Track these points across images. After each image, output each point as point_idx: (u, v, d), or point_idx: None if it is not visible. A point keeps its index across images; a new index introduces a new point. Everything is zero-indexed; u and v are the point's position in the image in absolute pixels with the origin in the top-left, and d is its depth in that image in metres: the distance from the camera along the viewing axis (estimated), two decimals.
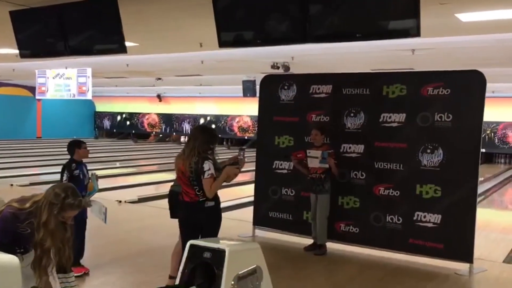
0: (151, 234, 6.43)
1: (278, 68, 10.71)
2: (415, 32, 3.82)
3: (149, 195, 9.09)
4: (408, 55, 8.35)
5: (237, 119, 23.57)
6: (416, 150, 5.33)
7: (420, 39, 4.36)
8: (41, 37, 5.54)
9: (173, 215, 4.39)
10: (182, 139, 25.33)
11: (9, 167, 12.36)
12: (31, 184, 9.86)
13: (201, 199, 3.92)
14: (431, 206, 5.24)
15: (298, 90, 6.10)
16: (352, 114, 5.72)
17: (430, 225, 5.25)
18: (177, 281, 3.13)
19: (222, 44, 4.60)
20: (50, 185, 2.98)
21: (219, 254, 3.03)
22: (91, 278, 4.64)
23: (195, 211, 3.95)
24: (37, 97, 14.31)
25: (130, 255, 5.43)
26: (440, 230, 5.20)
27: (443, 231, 5.19)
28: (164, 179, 12.09)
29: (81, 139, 5.05)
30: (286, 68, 10.69)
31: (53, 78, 13.22)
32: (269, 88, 6.43)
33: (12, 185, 9.70)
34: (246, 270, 3.09)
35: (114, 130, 27.22)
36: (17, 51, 6.09)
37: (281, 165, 6.19)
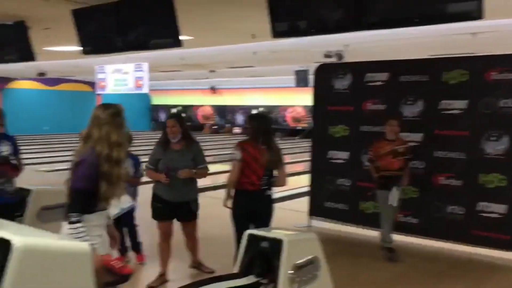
0: (203, 223, 6.54)
1: (331, 57, 10.55)
2: (478, 14, 3.63)
3: (202, 185, 9.23)
4: (469, 38, 7.97)
5: (289, 110, 23.50)
6: (479, 137, 5.11)
7: (482, 22, 4.14)
8: (101, 34, 5.73)
9: (155, 216, 4.45)
10: (235, 130, 25.58)
11: (69, 160, 12.94)
12: None
13: (263, 188, 4.03)
14: (496, 196, 5.02)
15: (353, 78, 6.00)
16: (409, 102, 5.56)
17: (494, 215, 5.04)
18: (235, 270, 3.18)
19: (276, 34, 4.58)
20: None
21: (276, 244, 3.05)
22: (147, 267, 4.81)
23: (255, 200, 4.02)
24: (97, 92, 14.89)
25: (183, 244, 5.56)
26: (506, 221, 4.97)
27: (509, 222, 4.96)
28: (219, 170, 12.27)
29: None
30: (340, 56, 10.50)
31: (112, 73, 13.70)
32: (323, 77, 6.37)
33: None
34: (304, 259, 3.10)
35: None
36: (79, 48, 6.34)
37: (336, 155, 6.13)
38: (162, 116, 28.12)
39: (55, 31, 7.59)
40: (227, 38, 8.96)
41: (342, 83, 6.09)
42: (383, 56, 9.52)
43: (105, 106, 2.89)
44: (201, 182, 10.40)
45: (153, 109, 28.28)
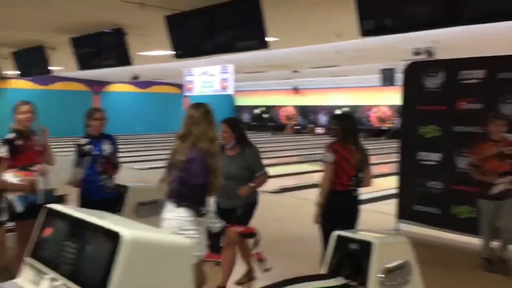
0: (293, 223, 6.59)
1: (420, 54, 10.13)
2: None
3: (289, 185, 9.30)
4: None
5: (374, 109, 22.91)
6: None
7: None
8: (192, 38, 5.98)
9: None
10: (318, 130, 25.40)
11: (161, 159, 13.60)
12: None
13: (351, 188, 4.02)
14: None
15: (446, 76, 5.73)
16: (509, 101, 5.20)
17: None
18: (323, 271, 3.16)
19: (364, 33, 4.49)
20: None
21: (366, 246, 2.99)
22: (238, 264, 4.91)
23: (345, 200, 4.00)
24: (185, 94, 15.50)
25: (273, 242, 5.62)
26: None
27: None
28: (303, 170, 12.27)
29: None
30: (429, 53, 10.06)
31: (199, 75, 14.20)
32: (413, 76, 6.14)
33: None
34: (394, 263, 3.01)
35: (253, 123, 28.36)
36: (170, 52, 6.66)
37: (427, 156, 5.88)
38: (246, 117, 28.67)
39: (149, 37, 8.02)
40: (311, 38, 8.94)
41: (433, 81, 5.83)
42: (478, 52, 8.99)
43: (197, 106, 3.15)
44: (286, 183, 10.44)
45: (237, 110, 28.92)
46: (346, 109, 23.30)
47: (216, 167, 3.05)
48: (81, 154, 4.36)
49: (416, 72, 6.07)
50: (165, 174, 3.24)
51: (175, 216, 3.08)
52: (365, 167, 4.12)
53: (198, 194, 3.04)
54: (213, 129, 3.10)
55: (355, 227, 4.05)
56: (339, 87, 23.03)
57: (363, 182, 4.13)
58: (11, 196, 3.88)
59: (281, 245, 5.55)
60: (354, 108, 23.26)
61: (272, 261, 4.96)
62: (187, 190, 3.05)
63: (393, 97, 21.74)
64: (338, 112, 23.87)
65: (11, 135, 4.01)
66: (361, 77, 18.37)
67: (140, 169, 11.97)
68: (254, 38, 5.43)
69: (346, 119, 4.32)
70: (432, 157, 5.84)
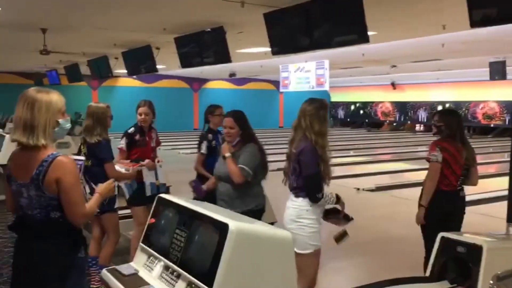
0: (389, 222, 6.40)
1: None
2: None
3: (386, 184, 9.03)
4: None
5: (481, 105, 21.42)
6: None
7: None
8: (289, 34, 6.01)
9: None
10: (417, 127, 24.34)
11: None
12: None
13: (459, 188, 3.87)
14: None
15: None
16: None
17: None
18: (427, 273, 3.04)
19: (474, 23, 4.21)
20: None
21: (475, 250, 2.81)
22: (335, 260, 4.88)
23: (451, 201, 3.83)
24: (281, 90, 15.62)
25: (370, 241, 5.51)
26: None
27: None
28: (400, 169, 11.85)
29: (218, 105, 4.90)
30: None
31: (295, 72, 14.23)
32: None
33: None
34: (507, 270, 2.81)
35: (348, 119, 27.87)
36: (265, 49, 6.76)
37: None
38: (341, 113, 28.28)
39: (246, 35, 8.21)
40: (413, 31, 8.57)
41: None
42: None
43: (311, 101, 3.35)
44: (382, 181, 10.15)
45: (333, 106, 28.61)
46: (448, 105, 22.06)
47: (326, 159, 3.22)
48: (210, 148, 4.62)
49: None
50: (285, 165, 3.43)
51: (293, 205, 3.27)
52: (472, 166, 3.91)
53: (312, 184, 3.18)
54: (321, 124, 3.24)
55: (460, 229, 3.84)
56: (442, 81, 21.83)
57: (470, 181, 3.94)
58: (121, 184, 4.23)
59: (378, 244, 5.43)
60: (458, 104, 21.94)
61: (369, 259, 4.87)
62: (301, 181, 3.22)
63: (504, 92, 20.30)
64: (440, 108, 22.72)
65: (131, 130, 4.40)
66: (467, 71, 17.25)
67: None
68: (354, 33, 5.32)
69: (452, 115, 4.10)
70: None
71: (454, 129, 3.86)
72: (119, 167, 4.12)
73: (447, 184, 3.82)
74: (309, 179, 3.19)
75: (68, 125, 2.32)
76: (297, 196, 3.26)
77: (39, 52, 9.06)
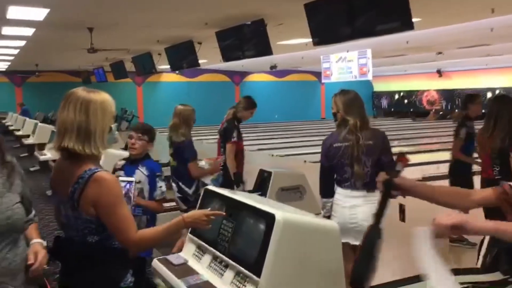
0: (436, 213, 6.24)
1: None
2: None
3: (431, 174, 8.80)
4: None
5: None
6: None
7: None
8: (330, 24, 5.94)
9: None
10: None
11: (301, 145, 13.85)
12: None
13: (497, 177, 3.78)
14: None
15: None
16: None
17: None
18: (478, 265, 2.97)
19: None
20: None
21: None
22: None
23: None
24: (322, 81, 15.46)
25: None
26: None
27: None
28: (446, 159, 11.50)
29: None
30: None
31: (336, 62, 14.03)
32: None
33: (305, 161, 10.78)
34: None
35: (392, 109, 27.26)
36: (306, 40, 6.71)
37: None
38: (384, 103, 27.70)
39: (287, 26, 8.17)
40: (459, 16, 8.28)
41: None
42: None
43: (343, 92, 3.39)
44: (428, 171, 9.91)
45: (375, 96, 28.05)
46: (499, 91, 21.18)
47: None
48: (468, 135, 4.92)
49: None
50: (354, 169, 3.27)
51: (369, 200, 3.10)
52: None
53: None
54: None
55: None
56: (492, 67, 20.97)
57: None
58: (207, 181, 4.35)
59: None
60: (510, 90, 21.02)
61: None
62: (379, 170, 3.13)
63: None
64: (489, 95, 21.87)
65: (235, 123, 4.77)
66: None
67: (279, 155, 12.31)
68: (397, 20, 5.20)
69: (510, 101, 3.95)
70: None
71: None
72: (203, 164, 4.30)
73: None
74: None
75: (116, 133, 2.18)
76: (372, 190, 3.08)
77: (87, 51, 9.37)
